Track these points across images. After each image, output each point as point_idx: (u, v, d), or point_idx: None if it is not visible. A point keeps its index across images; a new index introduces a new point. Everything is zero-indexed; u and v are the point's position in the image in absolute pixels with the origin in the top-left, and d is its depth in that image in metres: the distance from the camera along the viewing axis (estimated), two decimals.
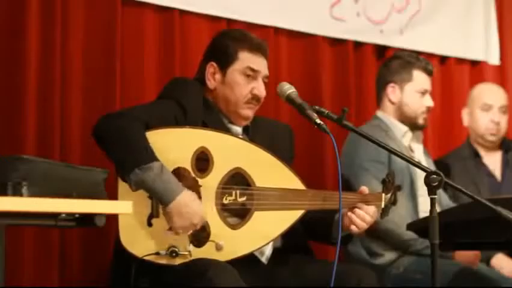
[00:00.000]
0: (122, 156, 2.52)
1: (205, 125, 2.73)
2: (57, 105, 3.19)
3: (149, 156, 2.51)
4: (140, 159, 2.49)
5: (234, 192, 2.64)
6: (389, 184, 2.77)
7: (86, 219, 2.11)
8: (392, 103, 3.74)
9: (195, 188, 2.59)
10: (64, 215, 2.06)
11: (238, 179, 2.64)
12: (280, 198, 2.66)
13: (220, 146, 2.64)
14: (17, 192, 2.01)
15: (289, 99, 2.69)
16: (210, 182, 2.61)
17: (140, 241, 2.54)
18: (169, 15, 3.57)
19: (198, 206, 2.55)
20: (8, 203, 1.94)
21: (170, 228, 2.55)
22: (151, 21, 3.54)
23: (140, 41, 3.51)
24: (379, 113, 3.78)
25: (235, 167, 2.64)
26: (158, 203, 2.55)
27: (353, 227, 2.72)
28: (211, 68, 2.83)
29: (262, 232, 2.64)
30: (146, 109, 2.72)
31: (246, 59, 2.80)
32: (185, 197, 2.53)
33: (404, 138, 3.72)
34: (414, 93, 3.72)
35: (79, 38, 3.32)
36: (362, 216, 2.71)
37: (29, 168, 2.05)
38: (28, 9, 3.13)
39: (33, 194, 2.02)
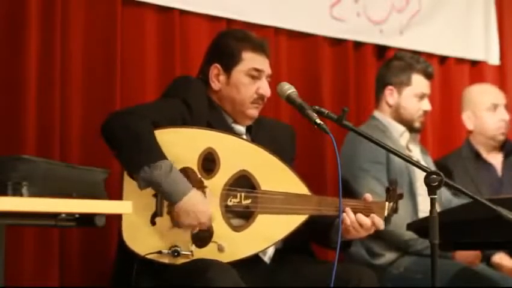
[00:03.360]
0: (131, 155, 2.52)
1: (209, 124, 2.73)
2: (57, 105, 3.19)
3: (158, 154, 2.52)
4: (149, 157, 2.50)
5: (238, 195, 2.64)
6: (392, 193, 2.77)
7: (86, 219, 2.10)
8: (389, 106, 3.74)
9: (200, 188, 2.60)
10: (63, 215, 2.06)
11: (243, 181, 2.65)
12: (284, 203, 2.66)
13: (227, 148, 2.64)
14: (17, 192, 2.01)
15: (289, 99, 2.69)
16: (216, 183, 2.62)
17: (143, 239, 2.54)
18: (169, 15, 3.57)
19: (206, 205, 2.56)
20: (8, 203, 1.94)
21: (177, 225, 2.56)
22: (151, 21, 3.54)
23: (140, 41, 3.50)
24: (376, 113, 3.78)
25: (241, 169, 2.65)
26: (163, 202, 2.56)
27: (352, 232, 2.71)
28: (215, 69, 2.84)
29: (265, 235, 2.65)
30: (153, 107, 2.73)
31: (250, 60, 2.81)
32: (193, 197, 2.53)
33: (402, 138, 3.72)
34: (412, 97, 3.72)
35: (79, 38, 3.31)
36: (362, 221, 2.70)
37: (29, 168, 2.05)
38: (28, 9, 3.13)
39: (33, 194, 2.02)
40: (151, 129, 2.57)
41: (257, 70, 2.81)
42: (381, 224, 2.72)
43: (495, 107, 4.11)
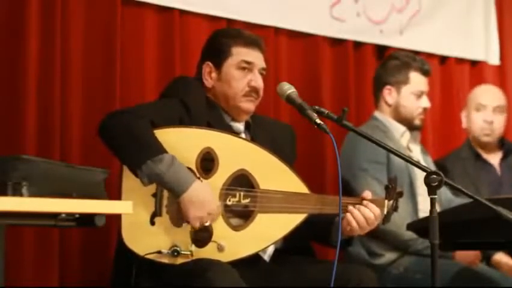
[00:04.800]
0: (132, 151, 2.52)
1: (209, 124, 2.73)
2: (57, 105, 3.19)
3: (159, 148, 2.52)
4: (151, 151, 2.50)
5: (237, 194, 2.64)
6: (392, 190, 2.77)
7: (86, 219, 2.11)
8: (389, 105, 3.75)
9: None
10: (64, 215, 2.06)
11: (242, 180, 2.64)
12: (283, 201, 2.66)
13: (226, 147, 2.64)
14: (17, 192, 2.01)
15: (289, 99, 2.69)
16: (214, 183, 2.61)
17: (142, 239, 2.54)
18: (169, 15, 3.57)
19: (212, 195, 2.55)
20: (8, 203, 1.94)
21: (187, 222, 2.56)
22: (151, 21, 3.55)
23: (140, 41, 3.51)
24: (377, 114, 3.79)
25: (239, 168, 2.64)
26: (162, 202, 2.56)
27: (354, 224, 2.70)
28: (207, 67, 2.85)
29: (265, 234, 2.65)
30: (151, 107, 2.73)
31: (240, 53, 2.81)
32: (198, 187, 2.53)
33: (402, 138, 3.72)
34: (411, 95, 3.73)
35: (79, 38, 3.32)
36: (367, 215, 2.69)
37: (29, 168, 2.05)
38: (28, 9, 3.13)
39: (33, 194, 2.02)
40: (150, 127, 2.57)
41: (247, 62, 2.81)
42: (379, 214, 2.72)
43: (483, 107, 4.11)
